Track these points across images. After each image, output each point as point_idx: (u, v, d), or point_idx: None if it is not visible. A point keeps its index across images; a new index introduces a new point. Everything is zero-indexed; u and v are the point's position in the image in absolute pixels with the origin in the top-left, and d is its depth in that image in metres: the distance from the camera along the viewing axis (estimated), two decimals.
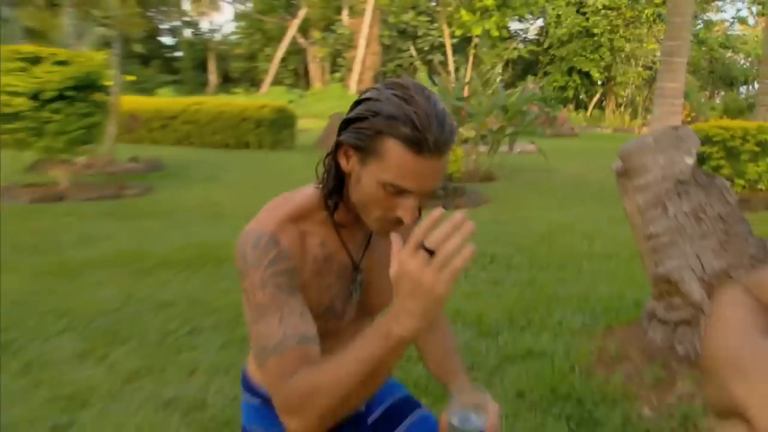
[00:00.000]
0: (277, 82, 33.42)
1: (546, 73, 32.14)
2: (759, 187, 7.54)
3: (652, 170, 2.72)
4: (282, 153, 13.08)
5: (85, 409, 2.49)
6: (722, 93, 32.50)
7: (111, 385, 2.68)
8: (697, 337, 2.60)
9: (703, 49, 30.03)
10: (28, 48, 6.59)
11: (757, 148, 7.31)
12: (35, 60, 6.38)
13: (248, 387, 1.32)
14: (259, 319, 1.04)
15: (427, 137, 0.95)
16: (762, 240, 2.65)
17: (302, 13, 31.87)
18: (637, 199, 2.78)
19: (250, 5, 35.27)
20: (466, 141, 9.68)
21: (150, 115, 14.01)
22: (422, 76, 14.49)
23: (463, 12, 23.92)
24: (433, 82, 11.50)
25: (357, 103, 1.04)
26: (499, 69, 10.36)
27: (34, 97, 6.32)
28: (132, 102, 13.36)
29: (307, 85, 34.50)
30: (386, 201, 1.03)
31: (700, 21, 30.46)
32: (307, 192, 1.16)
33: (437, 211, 0.88)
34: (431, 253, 0.86)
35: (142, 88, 24.95)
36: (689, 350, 2.60)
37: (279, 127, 13.91)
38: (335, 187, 1.11)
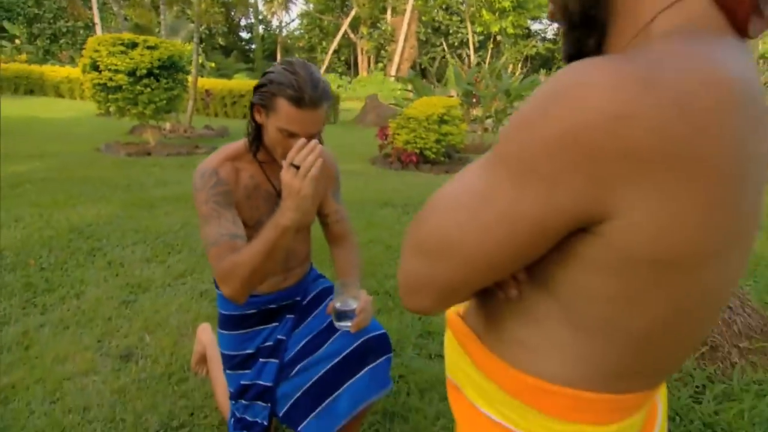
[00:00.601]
0: (330, 70, 33.34)
1: (559, 68, 31.09)
2: None
3: None
4: (326, 126, 13.28)
5: (145, 293, 2.83)
6: None
7: (164, 280, 3.00)
8: None
9: None
10: (127, 35, 6.90)
11: None
12: (132, 45, 6.69)
13: (215, 283, 1.52)
14: (204, 225, 1.29)
15: (304, 96, 1.19)
16: None
17: (353, 12, 31.50)
18: None
19: (311, 5, 35.07)
20: (474, 120, 9.70)
21: (224, 93, 14.37)
22: (450, 68, 14.29)
23: (483, 12, 23.25)
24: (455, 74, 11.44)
25: (262, 76, 1.26)
26: (503, 62, 10.13)
27: (131, 74, 6.64)
28: (209, 83, 13.72)
29: (356, 73, 34.33)
30: (284, 141, 1.25)
31: None
32: (240, 142, 1.39)
33: (300, 141, 1.16)
34: (298, 168, 1.14)
35: (223, 73, 25.37)
36: None
37: None
38: (255, 136, 1.34)
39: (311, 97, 1.21)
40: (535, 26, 32.90)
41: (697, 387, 2.07)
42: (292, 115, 1.22)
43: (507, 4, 22.39)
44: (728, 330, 2.28)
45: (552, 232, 0.48)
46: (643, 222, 0.44)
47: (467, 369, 0.67)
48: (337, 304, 1.36)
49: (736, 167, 0.44)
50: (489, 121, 9.79)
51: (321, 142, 1.40)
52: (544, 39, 33.71)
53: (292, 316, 1.60)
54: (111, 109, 6.87)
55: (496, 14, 23.11)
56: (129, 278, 3.00)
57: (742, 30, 0.49)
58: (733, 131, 0.43)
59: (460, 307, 0.73)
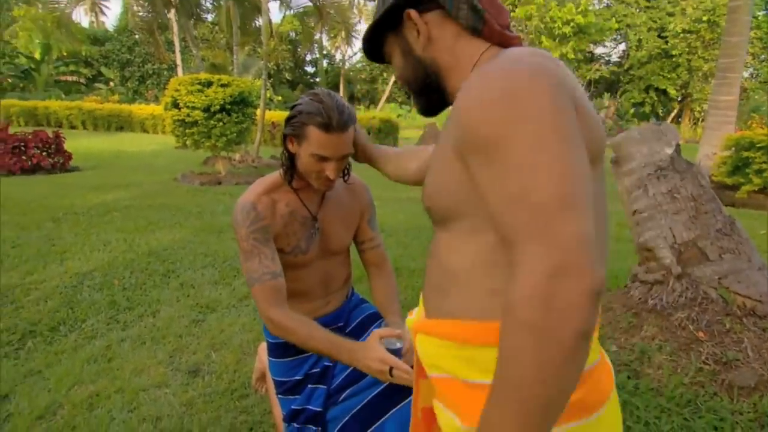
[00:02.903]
0: (391, 99, 34.10)
1: (625, 92, 29.99)
2: None
3: (636, 158, 2.76)
4: None
5: (212, 313, 3.02)
6: None
7: (230, 301, 3.19)
8: (665, 293, 2.63)
9: None
10: (203, 75, 7.49)
11: None
12: (207, 84, 7.25)
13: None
14: (245, 260, 1.39)
15: (332, 121, 1.28)
16: (728, 217, 2.62)
17: None
18: (625, 181, 2.83)
19: None
20: None
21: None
22: None
23: (543, 38, 23.01)
24: None
25: (291, 108, 1.36)
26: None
27: (206, 110, 7.16)
28: (276, 116, 14.44)
29: None
30: (317, 166, 1.34)
31: None
32: (277, 173, 1.47)
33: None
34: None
35: (290, 106, 26.56)
36: (657, 304, 2.63)
37: (384, 134, 14.36)
38: (290, 164, 1.41)
39: (338, 121, 1.29)
40: (598, 50, 32.11)
41: None
42: (323, 140, 1.30)
43: (568, 30, 22.09)
44: None
45: None
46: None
47: (454, 352, 0.76)
48: (383, 343, 1.36)
49: (583, 99, 0.68)
50: None
51: (350, 165, 1.48)
52: (608, 62, 32.79)
53: None
54: (188, 142, 7.40)
55: (556, 40, 22.84)
56: (198, 299, 3.21)
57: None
58: (567, 72, 0.69)
59: (415, 317, 0.89)
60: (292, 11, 11.60)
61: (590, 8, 23.35)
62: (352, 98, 38.70)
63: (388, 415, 1.48)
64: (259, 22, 13.83)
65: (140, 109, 18.35)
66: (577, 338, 0.55)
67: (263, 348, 2.14)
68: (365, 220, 1.65)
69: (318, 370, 1.63)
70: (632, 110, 28.39)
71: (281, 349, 1.63)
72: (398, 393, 1.46)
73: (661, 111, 30.11)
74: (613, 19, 25.90)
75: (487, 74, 0.67)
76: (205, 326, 2.84)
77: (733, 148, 7.21)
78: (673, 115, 29.84)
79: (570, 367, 0.56)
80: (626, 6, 29.40)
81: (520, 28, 23.90)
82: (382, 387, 1.49)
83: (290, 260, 1.49)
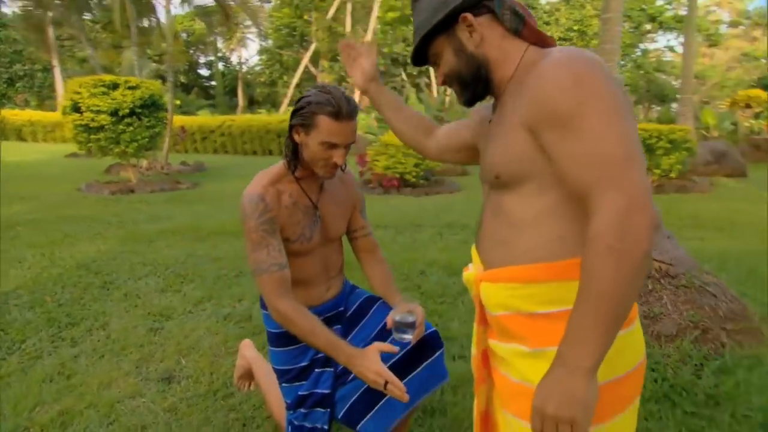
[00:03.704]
0: (293, 103, 33.61)
1: None
2: (670, 175, 7.86)
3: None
4: None
5: (169, 320, 2.90)
6: (657, 108, 32.66)
7: (185, 307, 3.07)
8: None
9: (641, 72, 30.25)
10: (108, 77, 6.94)
11: (668, 145, 7.61)
12: (114, 86, 6.73)
13: (262, 304, 1.69)
14: (253, 251, 1.44)
15: (341, 110, 1.38)
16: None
17: (312, 46, 32.13)
18: None
19: (270, 42, 35.53)
20: None
21: (193, 129, 14.36)
22: (411, 96, 14.73)
23: None
24: (420, 100, 11.86)
25: (298, 101, 1.44)
26: None
27: (113, 114, 6.66)
28: (179, 120, 13.73)
29: None
30: (325, 153, 1.42)
31: (638, 49, 30.72)
32: (279, 164, 1.53)
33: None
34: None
35: (185, 110, 25.29)
36: None
37: None
38: (293, 154, 1.49)
39: (347, 110, 1.39)
40: None
41: (696, 365, 2.31)
42: (333, 128, 1.39)
43: None
44: (715, 315, 2.56)
45: None
46: None
47: (519, 291, 0.93)
48: (397, 318, 1.49)
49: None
50: None
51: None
52: None
53: (339, 326, 1.70)
54: (92, 148, 6.83)
55: None
56: (149, 308, 3.05)
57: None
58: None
59: (473, 271, 1.05)
60: (190, 7, 11.03)
61: None
62: (252, 102, 37.61)
63: None
64: (150, 21, 13.05)
65: (15, 115, 16.40)
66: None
67: (246, 345, 2.13)
68: (357, 210, 1.74)
69: (323, 354, 1.68)
70: None
71: (285, 338, 1.64)
72: (415, 359, 1.57)
73: None
74: None
75: (556, 64, 0.84)
76: (165, 334, 2.72)
77: None
78: None
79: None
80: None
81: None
82: (395, 359, 1.57)
83: (296, 248, 1.54)
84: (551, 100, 0.81)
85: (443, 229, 5.11)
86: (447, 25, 0.97)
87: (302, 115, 1.42)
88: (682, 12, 26.05)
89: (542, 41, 0.96)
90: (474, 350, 1.12)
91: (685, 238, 4.55)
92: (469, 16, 0.95)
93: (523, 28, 0.95)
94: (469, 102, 1.05)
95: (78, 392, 2.17)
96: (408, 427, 1.75)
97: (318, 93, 1.41)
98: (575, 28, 28.29)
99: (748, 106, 15.00)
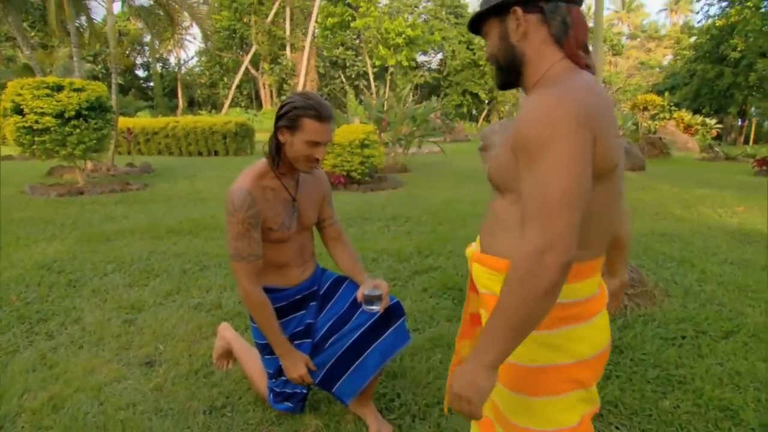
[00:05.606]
0: (234, 104, 32.86)
1: (446, 95, 33.21)
2: None
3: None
4: (244, 157, 13.25)
5: (142, 312, 2.94)
6: None
7: (155, 299, 3.11)
8: None
9: None
10: (51, 78, 6.58)
11: None
12: (58, 88, 6.41)
13: (251, 318, 1.82)
14: (237, 240, 1.62)
15: (322, 113, 1.58)
16: None
17: (253, 49, 31.44)
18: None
19: (210, 44, 34.39)
20: (386, 144, 10.33)
21: (136, 131, 13.76)
22: (351, 98, 14.86)
23: (380, 47, 24.54)
24: (360, 102, 12.05)
25: (282, 106, 1.61)
26: (407, 90, 10.93)
27: (58, 116, 6.35)
28: (123, 122, 13.12)
29: (260, 106, 34.07)
30: (308, 151, 1.60)
31: None
32: (262, 162, 1.70)
33: None
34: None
35: (124, 112, 24.04)
36: None
37: (241, 138, 13.96)
38: (276, 153, 1.65)
39: (327, 113, 1.59)
40: (421, 58, 34.94)
41: None
42: (316, 128, 1.58)
43: (400, 40, 23.88)
44: None
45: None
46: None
47: (496, 278, 1.01)
48: (366, 292, 1.69)
49: (611, 123, 0.92)
50: (399, 144, 10.49)
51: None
52: (429, 69, 35.86)
53: (314, 303, 1.88)
54: (37, 150, 6.48)
55: (391, 49, 24.50)
56: (119, 302, 3.07)
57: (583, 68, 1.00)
58: (608, 107, 0.93)
59: (474, 248, 1.14)
60: (133, 5, 10.56)
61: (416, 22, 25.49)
62: (192, 103, 36.22)
63: (369, 349, 1.78)
64: (81, 21, 12.40)
65: None
66: (546, 290, 0.84)
67: (224, 327, 2.26)
68: (326, 202, 1.93)
69: (302, 328, 1.86)
70: (454, 111, 31.60)
71: None
72: (382, 326, 1.78)
73: (475, 111, 34.06)
74: (437, 33, 28.57)
75: (542, 98, 0.89)
76: (140, 324, 2.78)
77: None
78: (484, 114, 34.01)
79: (541, 306, 0.85)
80: (440, 21, 32.56)
81: (357, 38, 24.97)
82: (364, 328, 1.77)
83: (277, 236, 1.71)
84: (526, 133, 0.88)
85: (389, 222, 5.35)
86: (501, 10, 1.00)
87: (288, 118, 1.58)
88: (590, 24, 27.77)
89: (575, 60, 0.97)
90: (463, 315, 1.26)
91: None
92: (518, 9, 0.97)
93: (565, 39, 0.96)
94: (501, 86, 1.10)
95: (63, 379, 2.21)
96: (374, 388, 1.95)
97: (301, 99, 1.59)
98: None
99: (645, 108, 16.39)
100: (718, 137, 16.83)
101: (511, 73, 1.03)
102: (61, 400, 2.06)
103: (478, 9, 1.05)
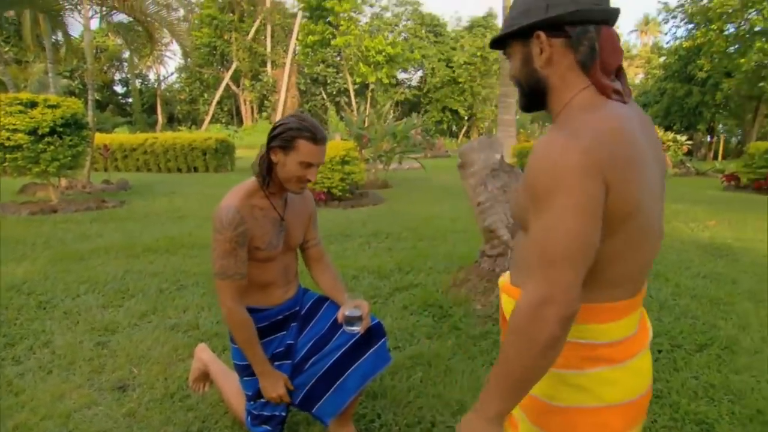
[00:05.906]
0: (215, 120, 32.63)
1: (426, 111, 33.56)
2: None
3: (476, 162, 3.42)
4: (224, 174, 13.06)
5: (116, 334, 2.85)
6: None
7: (129, 321, 3.02)
8: (506, 262, 3.34)
9: None
10: (25, 94, 6.43)
11: None
12: (32, 104, 6.27)
13: (231, 338, 1.79)
14: (223, 258, 1.60)
15: (317, 135, 1.59)
16: None
17: (233, 65, 31.41)
18: (470, 181, 3.46)
19: (190, 60, 34.19)
20: (367, 160, 10.36)
21: (114, 147, 13.52)
22: (332, 114, 14.91)
23: (361, 65, 24.78)
24: (341, 118, 12.10)
25: (276, 127, 1.61)
26: (388, 107, 11.03)
27: (32, 132, 6.19)
28: (99, 138, 12.86)
29: (240, 122, 33.90)
30: (301, 171, 1.61)
31: None
32: (251, 180, 1.69)
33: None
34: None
35: (101, 128, 23.61)
36: (502, 270, 3.32)
37: (221, 155, 13.76)
38: (268, 173, 1.64)
39: (321, 135, 1.61)
40: (401, 75, 35.35)
41: None
42: (310, 150, 1.58)
43: (380, 58, 24.18)
44: None
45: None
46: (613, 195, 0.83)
47: None
48: (347, 312, 1.68)
49: (640, 162, 0.86)
50: (380, 161, 10.53)
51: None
52: (409, 86, 36.26)
53: (295, 323, 1.86)
54: (8, 168, 6.29)
55: (372, 67, 24.78)
56: (93, 324, 2.97)
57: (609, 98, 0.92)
58: (626, 148, 0.84)
59: (506, 278, 1.10)
60: (111, 22, 10.46)
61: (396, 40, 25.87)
62: (172, 119, 35.85)
63: (350, 370, 1.75)
64: (58, 36, 12.22)
65: None
66: (546, 343, 0.81)
67: (201, 348, 2.21)
68: (312, 222, 1.92)
69: (282, 349, 1.83)
70: (434, 127, 31.94)
71: None
72: (363, 346, 1.76)
73: (455, 127, 34.47)
74: (417, 51, 28.97)
75: (550, 144, 0.84)
76: (113, 346, 2.69)
77: (517, 156, 8.93)
78: (464, 130, 34.43)
79: (542, 359, 0.82)
80: (420, 40, 33.08)
81: (338, 56, 25.20)
82: (344, 349, 1.75)
83: (263, 255, 1.69)
84: (531, 180, 0.86)
85: (370, 238, 5.33)
86: (525, 34, 0.94)
87: (283, 138, 1.58)
88: None
89: (601, 88, 0.90)
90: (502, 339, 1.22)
91: None
92: (542, 35, 0.91)
93: (591, 65, 0.90)
94: (524, 108, 1.05)
95: (30, 407, 2.12)
96: (354, 408, 1.91)
97: (296, 120, 1.59)
98: (478, 54, 30.08)
99: None
100: (689, 153, 17.36)
101: (534, 98, 0.98)
102: (27, 429, 1.97)
103: (502, 29, 0.99)
